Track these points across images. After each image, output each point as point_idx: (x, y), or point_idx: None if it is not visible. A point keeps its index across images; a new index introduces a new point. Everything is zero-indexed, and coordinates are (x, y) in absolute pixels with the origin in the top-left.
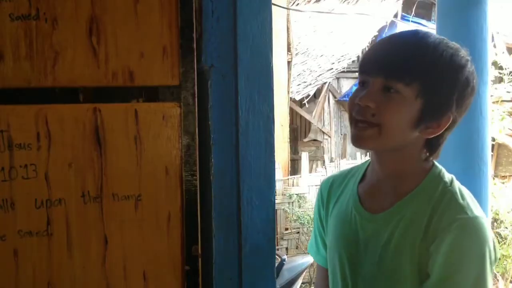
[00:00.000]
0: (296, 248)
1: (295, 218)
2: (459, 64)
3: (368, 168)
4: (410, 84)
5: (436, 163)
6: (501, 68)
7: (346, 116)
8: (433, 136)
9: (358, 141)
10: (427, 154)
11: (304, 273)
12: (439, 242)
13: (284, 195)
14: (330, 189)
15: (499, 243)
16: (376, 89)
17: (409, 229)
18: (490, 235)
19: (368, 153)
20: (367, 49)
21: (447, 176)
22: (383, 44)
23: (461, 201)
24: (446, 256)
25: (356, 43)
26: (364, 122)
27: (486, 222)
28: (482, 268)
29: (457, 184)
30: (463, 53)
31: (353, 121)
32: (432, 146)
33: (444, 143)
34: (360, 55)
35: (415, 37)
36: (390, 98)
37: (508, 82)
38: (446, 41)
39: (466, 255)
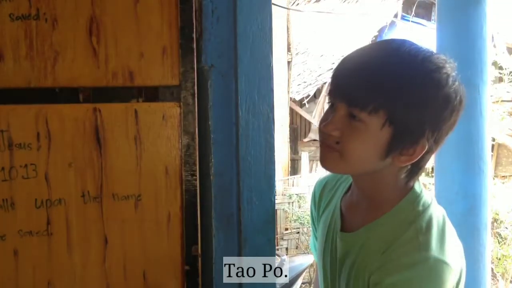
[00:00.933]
0: (296, 248)
1: (295, 218)
2: (434, 85)
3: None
4: (374, 112)
5: (416, 186)
6: (501, 68)
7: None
8: (408, 163)
9: (322, 162)
10: (407, 179)
11: (304, 273)
12: (378, 276)
13: (284, 195)
14: (323, 191)
15: (499, 243)
16: (341, 115)
17: (368, 257)
18: (446, 281)
19: None
20: (337, 64)
21: (424, 203)
22: (349, 62)
23: (420, 238)
24: None
25: (356, 43)
26: (328, 147)
27: (450, 267)
28: None
29: (429, 216)
30: (446, 69)
31: (320, 143)
32: (412, 171)
33: (425, 165)
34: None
35: (383, 54)
36: (354, 127)
37: (508, 82)
38: (423, 57)
39: None
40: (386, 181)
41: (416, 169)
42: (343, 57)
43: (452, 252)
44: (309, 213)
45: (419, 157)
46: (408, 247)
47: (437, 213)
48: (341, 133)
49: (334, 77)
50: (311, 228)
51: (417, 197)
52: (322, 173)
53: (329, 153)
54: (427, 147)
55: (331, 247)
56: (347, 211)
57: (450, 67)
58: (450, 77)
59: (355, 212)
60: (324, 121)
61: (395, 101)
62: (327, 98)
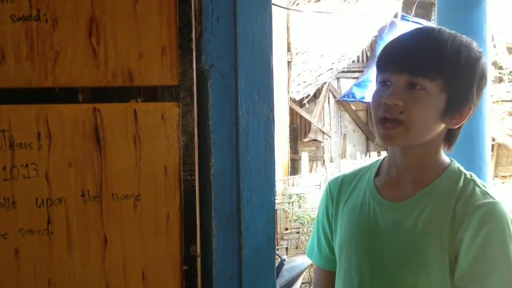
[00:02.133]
0: (296, 248)
1: (295, 218)
2: (475, 57)
3: (382, 163)
4: (434, 79)
5: (453, 160)
6: (501, 68)
7: (346, 116)
8: (457, 126)
9: (388, 140)
10: (447, 145)
11: (304, 273)
12: (466, 227)
13: (284, 195)
14: (341, 187)
15: None
16: (402, 86)
17: (434, 216)
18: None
19: (368, 153)
20: (384, 47)
21: (466, 171)
22: (403, 41)
23: (483, 188)
24: (475, 242)
25: (356, 43)
26: (392, 121)
27: (506, 207)
28: (508, 250)
29: (476, 177)
30: (476, 45)
31: (381, 121)
32: (452, 137)
33: (459, 133)
34: (370, 53)
35: (432, 33)
36: (416, 95)
37: (508, 82)
38: (460, 36)
39: (494, 240)
40: (435, 148)
41: (456, 136)
42: (390, 41)
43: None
44: (309, 213)
45: (467, 118)
46: (478, 197)
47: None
48: (404, 103)
49: (389, 55)
50: (314, 232)
51: (458, 166)
52: (322, 173)
53: (394, 129)
54: (472, 109)
55: (368, 225)
56: (386, 187)
57: (477, 45)
58: (482, 53)
59: (398, 185)
60: (381, 97)
61: (450, 69)
62: (326, 97)
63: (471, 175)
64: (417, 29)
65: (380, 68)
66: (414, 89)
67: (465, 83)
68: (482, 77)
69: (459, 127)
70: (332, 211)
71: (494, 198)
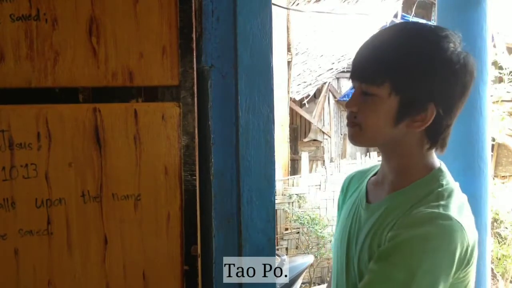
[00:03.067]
0: (296, 248)
1: (295, 218)
2: (434, 55)
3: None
4: (381, 84)
5: (443, 168)
6: (501, 68)
7: (345, 116)
8: (422, 128)
9: (350, 139)
10: (428, 145)
11: (304, 273)
12: (392, 230)
13: (284, 195)
14: (350, 182)
15: (499, 243)
16: (358, 93)
17: (384, 220)
18: (459, 239)
19: (368, 153)
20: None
21: (448, 181)
22: (360, 47)
23: (442, 201)
24: (393, 241)
25: (356, 43)
26: (350, 124)
27: (463, 228)
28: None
29: (451, 189)
30: (449, 39)
31: (347, 123)
32: (431, 136)
33: (448, 131)
34: None
35: (385, 33)
36: (367, 101)
37: (508, 82)
38: (428, 31)
39: (412, 245)
40: (410, 153)
41: (435, 135)
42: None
43: (468, 222)
44: (309, 213)
45: (430, 121)
46: (429, 206)
47: (459, 192)
48: (358, 108)
49: (352, 61)
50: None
51: (441, 174)
52: (322, 173)
53: (352, 128)
54: (435, 112)
55: (352, 222)
56: (372, 188)
57: (452, 36)
58: (451, 43)
59: (380, 187)
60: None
61: (396, 72)
62: (326, 97)
63: (445, 188)
64: (382, 29)
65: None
66: (366, 95)
67: (418, 84)
68: (447, 73)
69: (438, 126)
70: (341, 204)
71: (445, 212)
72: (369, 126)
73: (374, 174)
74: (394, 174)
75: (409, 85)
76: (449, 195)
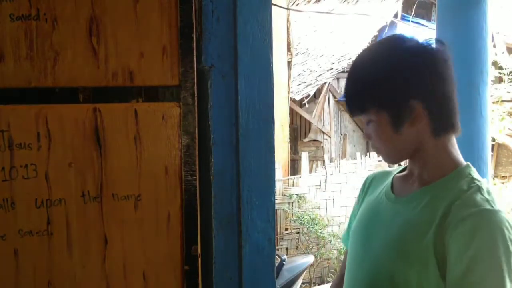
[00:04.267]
0: (296, 248)
1: (295, 218)
2: (392, 59)
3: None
4: (369, 109)
5: (470, 165)
6: (501, 68)
7: (346, 116)
8: (420, 125)
9: (384, 161)
10: (439, 131)
11: (304, 273)
12: (457, 233)
13: (284, 195)
14: (372, 181)
15: None
16: (365, 123)
17: (425, 212)
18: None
19: (368, 153)
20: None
21: (478, 177)
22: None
23: (486, 196)
24: (467, 252)
25: (356, 43)
26: (375, 149)
27: (507, 217)
28: (499, 260)
29: (486, 184)
30: (405, 39)
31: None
32: (436, 123)
33: (446, 112)
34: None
35: (357, 64)
36: (370, 127)
37: (508, 82)
38: (384, 42)
39: (485, 251)
40: (429, 145)
41: (439, 123)
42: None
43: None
44: (309, 213)
45: (424, 114)
46: (476, 202)
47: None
48: (369, 136)
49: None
50: (350, 218)
51: (471, 170)
52: (322, 173)
53: (378, 153)
54: (422, 104)
55: (372, 215)
56: (399, 183)
57: (408, 37)
58: (407, 42)
59: (408, 181)
60: None
61: (369, 93)
62: (326, 97)
63: (480, 181)
64: (357, 58)
65: None
66: (368, 123)
67: (389, 91)
68: (412, 69)
69: (440, 112)
70: (359, 200)
71: (493, 207)
72: (385, 148)
73: (400, 172)
74: (421, 169)
75: (384, 97)
76: (488, 190)
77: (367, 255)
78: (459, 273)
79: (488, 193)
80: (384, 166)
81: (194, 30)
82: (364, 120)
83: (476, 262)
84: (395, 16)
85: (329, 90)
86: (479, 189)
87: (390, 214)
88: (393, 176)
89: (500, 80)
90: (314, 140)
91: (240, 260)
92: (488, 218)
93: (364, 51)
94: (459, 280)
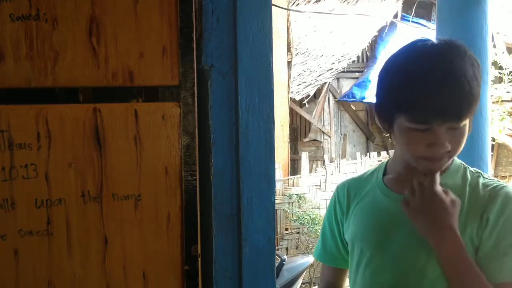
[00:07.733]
0: (296, 248)
1: (295, 218)
2: (477, 73)
3: (388, 165)
4: (466, 117)
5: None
6: (501, 68)
7: (346, 116)
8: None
9: (434, 171)
10: None
11: (304, 273)
12: (491, 209)
13: (284, 195)
14: (349, 191)
15: None
16: (444, 131)
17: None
18: None
19: (368, 154)
20: (405, 87)
21: (468, 166)
22: (430, 86)
23: (490, 178)
24: (498, 223)
25: (356, 43)
26: (441, 159)
27: None
28: None
29: (479, 170)
30: (471, 54)
31: (427, 158)
32: None
33: None
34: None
35: (450, 63)
36: (457, 135)
37: (508, 82)
38: (465, 57)
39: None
40: None
41: None
42: (411, 82)
43: None
44: (309, 213)
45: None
46: (489, 183)
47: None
48: (451, 144)
49: (419, 105)
50: (322, 234)
51: (461, 163)
52: (322, 173)
53: (441, 161)
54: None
55: (379, 218)
56: (395, 184)
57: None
58: (476, 58)
59: (405, 181)
60: (423, 142)
61: (474, 100)
62: (326, 97)
63: (475, 170)
64: (431, 59)
65: (413, 118)
66: (455, 130)
67: (477, 99)
68: (481, 81)
69: None
70: (340, 214)
71: (503, 184)
72: (457, 151)
73: (384, 174)
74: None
75: (477, 104)
76: (484, 173)
77: (388, 257)
78: (490, 245)
79: (487, 176)
80: None
81: (194, 30)
82: (454, 126)
83: (505, 232)
84: (395, 16)
85: (329, 90)
86: (481, 175)
87: (402, 214)
88: (381, 178)
89: (500, 80)
90: (314, 140)
91: (240, 260)
92: (510, 193)
93: (453, 56)
94: (490, 251)
